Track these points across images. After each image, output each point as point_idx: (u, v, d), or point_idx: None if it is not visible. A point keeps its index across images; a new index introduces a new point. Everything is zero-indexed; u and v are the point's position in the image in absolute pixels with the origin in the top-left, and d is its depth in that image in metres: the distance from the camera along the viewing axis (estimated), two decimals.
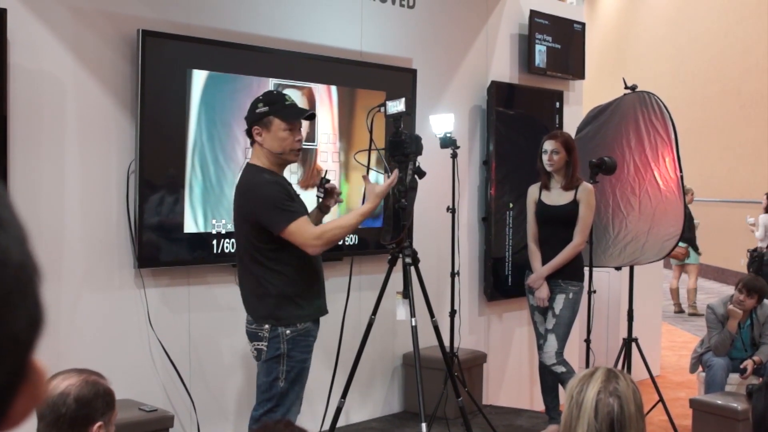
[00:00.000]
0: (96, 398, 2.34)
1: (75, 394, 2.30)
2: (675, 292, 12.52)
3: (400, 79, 5.78)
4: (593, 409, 2.14)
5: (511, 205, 6.56)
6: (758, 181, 13.44)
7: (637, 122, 6.22)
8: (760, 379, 6.05)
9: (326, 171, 4.29)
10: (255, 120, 3.93)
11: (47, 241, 4.30)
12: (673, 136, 6.02)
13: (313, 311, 3.99)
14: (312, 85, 5.30)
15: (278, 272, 3.89)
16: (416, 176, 4.46)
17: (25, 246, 0.74)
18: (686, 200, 11.80)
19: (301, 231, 3.82)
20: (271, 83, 5.05)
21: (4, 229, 0.72)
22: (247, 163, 4.09)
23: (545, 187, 5.53)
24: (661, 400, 5.84)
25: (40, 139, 4.30)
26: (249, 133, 3.98)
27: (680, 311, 12.43)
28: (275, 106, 3.91)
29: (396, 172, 4.17)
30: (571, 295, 5.44)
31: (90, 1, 4.45)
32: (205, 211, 4.80)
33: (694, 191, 12.19)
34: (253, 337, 3.96)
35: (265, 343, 3.90)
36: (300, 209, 3.90)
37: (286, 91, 4.96)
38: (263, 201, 3.86)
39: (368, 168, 4.45)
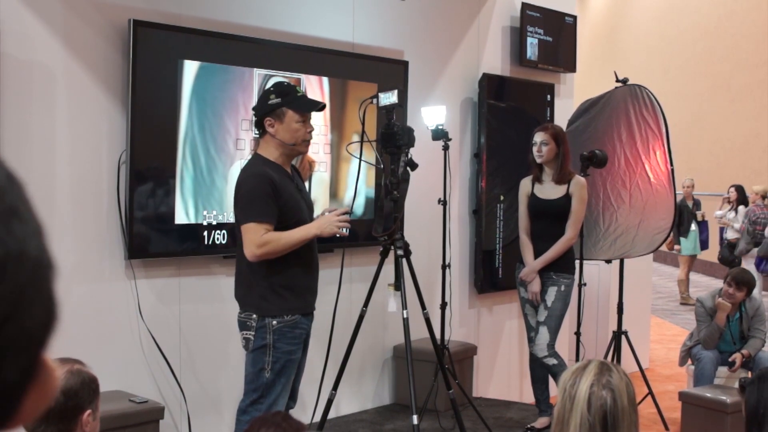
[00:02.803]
0: (82, 388, 2.34)
1: (62, 387, 2.29)
2: (683, 283, 12.60)
3: (391, 71, 5.77)
4: (586, 402, 2.14)
5: (501, 197, 6.56)
6: (747, 175, 13.48)
7: (628, 115, 6.23)
8: (749, 372, 6.08)
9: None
10: (267, 111, 3.95)
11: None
12: (664, 130, 6.04)
13: (301, 304, 3.99)
14: (304, 76, 5.29)
15: (268, 262, 3.88)
16: (408, 168, 4.47)
17: (41, 241, 0.72)
18: (685, 192, 11.97)
19: (252, 232, 3.82)
20: (262, 74, 5.03)
21: (23, 222, 0.70)
22: (254, 152, 4.10)
23: (537, 180, 5.53)
24: (651, 393, 5.87)
25: (30, 130, 4.28)
26: (259, 124, 4.00)
27: (685, 303, 12.42)
28: (288, 97, 3.94)
29: (344, 212, 4.08)
30: (563, 288, 5.45)
31: None
32: (196, 202, 4.78)
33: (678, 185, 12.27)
34: (242, 326, 3.99)
35: (253, 333, 3.92)
36: (270, 212, 3.85)
37: (272, 81, 4.97)
38: (243, 191, 3.91)
39: (360, 160, 4.44)
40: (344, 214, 4.06)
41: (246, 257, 3.87)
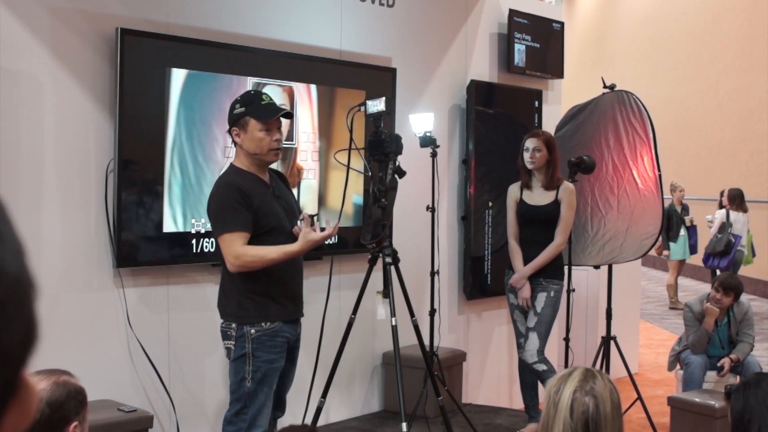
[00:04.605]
0: (68, 399, 2.33)
1: (47, 399, 2.28)
2: (672, 288, 12.75)
3: (379, 78, 5.78)
4: (569, 408, 2.14)
5: (490, 204, 6.58)
6: (735, 179, 13.53)
7: (616, 121, 6.25)
8: (738, 376, 6.10)
9: (314, 216, 4.08)
10: (233, 121, 3.92)
11: (25, 242, 4.26)
12: (651, 136, 6.05)
13: (281, 311, 3.94)
14: (292, 84, 5.29)
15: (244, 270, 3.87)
16: (396, 176, 4.47)
17: (21, 259, 0.72)
18: (676, 197, 12.27)
19: (227, 244, 3.79)
20: (250, 82, 5.04)
21: (2, 242, 0.70)
22: (230, 164, 4.07)
23: (526, 186, 5.55)
24: (640, 398, 5.87)
25: (18, 139, 4.27)
26: (230, 134, 3.98)
27: (674, 308, 12.53)
28: (251, 106, 3.88)
29: (336, 227, 3.98)
30: (552, 294, 5.46)
31: None
32: (184, 211, 4.78)
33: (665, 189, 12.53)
34: (223, 335, 3.96)
35: (233, 342, 3.90)
36: (242, 220, 3.80)
37: (267, 89, 4.96)
38: (213, 202, 3.89)
39: (348, 167, 4.44)
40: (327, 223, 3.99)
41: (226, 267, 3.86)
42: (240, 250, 3.78)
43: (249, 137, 3.88)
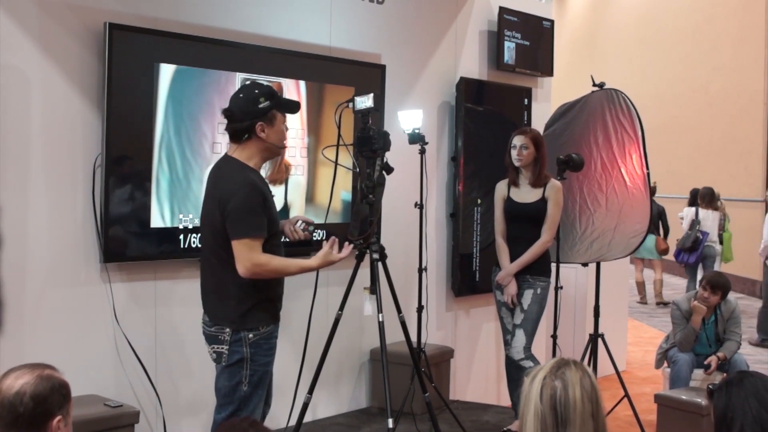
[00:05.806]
0: (52, 393, 2.33)
1: (31, 392, 2.28)
2: (642, 285, 12.97)
3: (368, 75, 5.78)
4: (539, 392, 2.15)
5: (479, 201, 6.58)
6: (725, 178, 13.57)
7: (605, 119, 6.26)
8: (725, 374, 6.13)
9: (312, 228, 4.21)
10: (259, 115, 3.77)
11: (12, 236, 4.26)
12: (640, 134, 6.06)
13: (275, 313, 3.92)
14: (280, 79, 5.28)
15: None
16: (384, 172, 4.47)
17: None
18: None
19: (247, 249, 3.67)
20: (239, 78, 5.03)
21: None
22: (230, 156, 3.87)
23: (513, 183, 5.55)
24: (627, 395, 5.89)
25: (4, 133, 4.25)
26: (247, 129, 3.78)
27: (644, 302, 12.87)
28: (275, 99, 3.84)
29: (350, 249, 4.03)
30: (539, 291, 5.46)
31: None
32: (172, 206, 4.77)
33: (659, 187, 12.85)
34: (212, 339, 3.84)
35: (226, 347, 3.79)
36: (263, 225, 3.72)
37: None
38: (236, 201, 3.68)
39: (336, 164, 4.44)
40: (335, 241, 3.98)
41: (236, 271, 3.70)
42: (262, 258, 3.70)
43: (275, 130, 3.84)
